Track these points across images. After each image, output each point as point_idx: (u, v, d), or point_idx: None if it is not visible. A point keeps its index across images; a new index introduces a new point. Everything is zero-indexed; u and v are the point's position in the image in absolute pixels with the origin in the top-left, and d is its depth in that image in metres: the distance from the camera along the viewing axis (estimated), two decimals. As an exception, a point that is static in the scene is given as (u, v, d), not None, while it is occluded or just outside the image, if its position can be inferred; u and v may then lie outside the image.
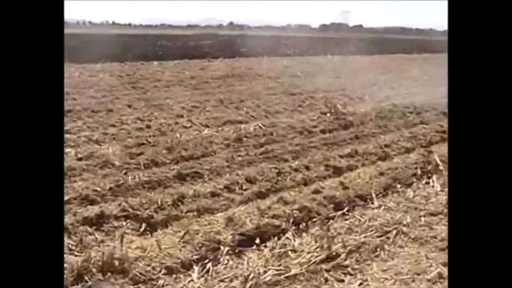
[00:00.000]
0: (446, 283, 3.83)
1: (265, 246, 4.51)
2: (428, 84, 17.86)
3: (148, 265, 4.06)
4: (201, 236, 4.57)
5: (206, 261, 4.22)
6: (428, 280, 3.93)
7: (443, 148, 8.23)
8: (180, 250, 4.34)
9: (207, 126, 9.49)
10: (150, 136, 8.46)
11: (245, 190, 5.92)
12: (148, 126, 9.27)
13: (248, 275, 3.95)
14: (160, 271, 4.03)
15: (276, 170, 6.60)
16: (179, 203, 5.40)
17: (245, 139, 8.44)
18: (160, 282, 3.91)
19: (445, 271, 4.01)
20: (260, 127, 9.37)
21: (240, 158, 7.27)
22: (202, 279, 3.97)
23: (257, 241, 4.56)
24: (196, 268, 4.11)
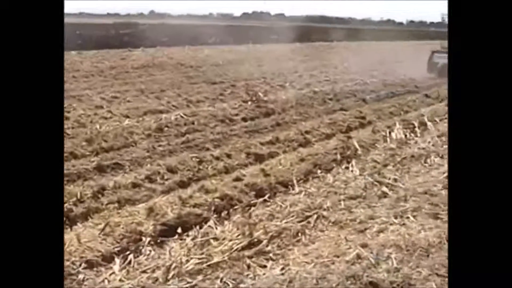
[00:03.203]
0: (364, 263, 3.94)
1: (187, 235, 4.49)
2: (348, 71, 18.26)
3: (67, 260, 3.96)
4: (122, 228, 4.51)
5: (128, 252, 4.17)
6: (347, 262, 4.02)
7: (362, 134, 8.46)
8: (101, 243, 4.27)
9: (127, 116, 9.36)
10: (68, 128, 8.23)
11: (166, 180, 5.88)
12: (67, 118, 9.01)
13: (170, 265, 3.93)
14: (80, 265, 3.95)
15: (198, 159, 6.59)
16: (99, 195, 5.31)
17: (166, 128, 8.39)
18: (80, 276, 3.83)
19: (363, 252, 4.12)
20: (181, 116, 9.32)
21: (161, 148, 7.23)
22: (123, 271, 3.92)
23: (179, 230, 4.54)
24: (117, 260, 4.05)
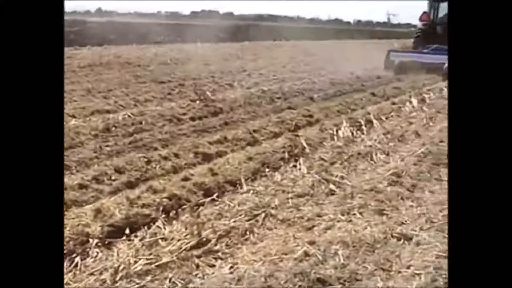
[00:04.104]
0: (311, 260, 3.99)
1: (135, 236, 4.45)
2: (296, 70, 18.42)
3: (12, 263, 3.89)
4: (69, 230, 4.43)
5: (74, 255, 4.09)
6: (295, 259, 4.06)
7: (309, 132, 8.54)
8: (46, 245, 4.20)
9: (74, 116, 9.16)
10: (12, 129, 8.07)
11: (114, 180, 5.81)
12: (11, 119, 8.83)
13: (118, 266, 3.89)
14: (25, 268, 3.88)
15: (145, 159, 6.53)
16: (45, 197, 5.21)
17: (113, 128, 8.28)
18: (25, 279, 3.77)
19: (310, 249, 4.18)
20: (129, 116, 9.21)
21: (108, 148, 7.13)
22: (70, 274, 3.86)
23: (127, 231, 4.49)
24: (64, 263, 4.00)
